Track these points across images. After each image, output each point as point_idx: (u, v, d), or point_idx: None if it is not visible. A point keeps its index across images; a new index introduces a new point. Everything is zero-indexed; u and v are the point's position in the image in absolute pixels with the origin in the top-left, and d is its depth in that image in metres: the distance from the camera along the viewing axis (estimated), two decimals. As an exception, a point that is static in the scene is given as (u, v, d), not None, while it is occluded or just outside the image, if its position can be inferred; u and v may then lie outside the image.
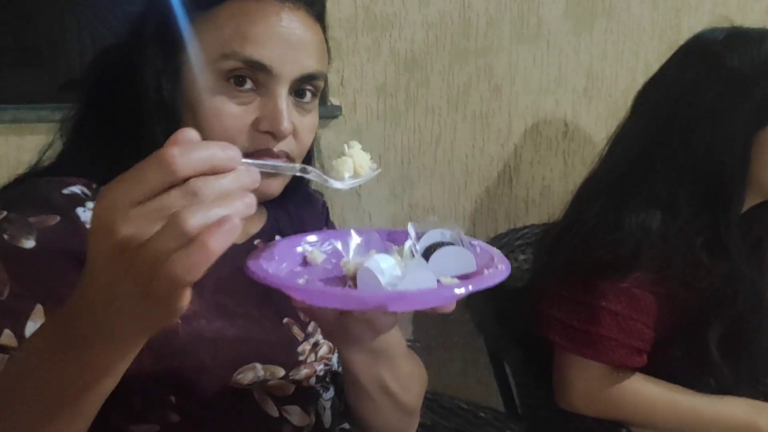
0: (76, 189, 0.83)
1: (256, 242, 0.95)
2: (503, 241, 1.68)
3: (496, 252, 0.77)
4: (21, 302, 0.74)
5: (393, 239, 0.84)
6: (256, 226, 0.98)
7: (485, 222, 1.74)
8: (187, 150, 0.50)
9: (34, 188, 0.83)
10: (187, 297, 0.52)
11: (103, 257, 0.51)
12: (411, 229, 0.80)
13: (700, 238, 1.23)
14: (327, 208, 1.12)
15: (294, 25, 0.85)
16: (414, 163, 1.63)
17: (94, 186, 0.85)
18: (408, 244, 0.77)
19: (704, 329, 1.29)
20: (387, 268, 0.70)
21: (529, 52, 1.70)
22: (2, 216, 0.78)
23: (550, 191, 1.80)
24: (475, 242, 0.79)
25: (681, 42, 1.38)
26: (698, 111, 1.23)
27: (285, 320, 0.92)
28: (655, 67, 1.58)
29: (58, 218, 0.79)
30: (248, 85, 0.84)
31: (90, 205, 0.82)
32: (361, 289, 0.70)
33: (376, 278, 0.68)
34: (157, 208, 0.49)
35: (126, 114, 0.87)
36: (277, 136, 0.85)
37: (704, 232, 1.24)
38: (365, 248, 0.83)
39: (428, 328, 1.73)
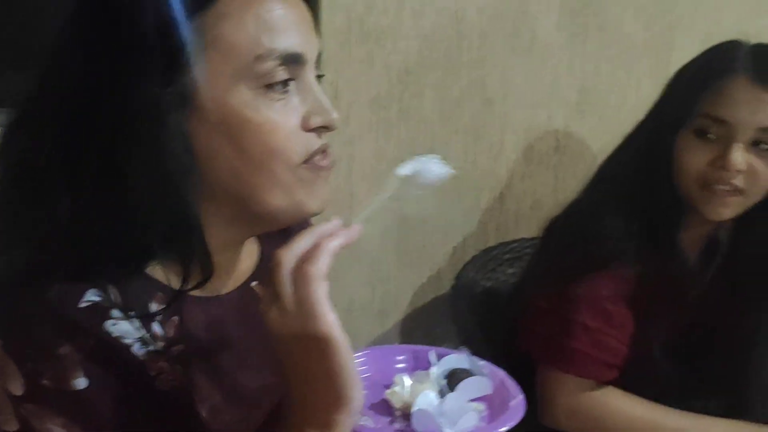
0: (94, 297, 0.68)
1: (253, 284, 0.85)
2: (492, 254, 1.69)
3: (502, 373, 0.94)
4: None
5: (415, 356, 0.99)
6: (250, 267, 0.88)
7: (475, 235, 1.74)
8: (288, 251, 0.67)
9: (46, 308, 0.66)
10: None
11: (287, 345, 0.67)
12: (432, 355, 0.97)
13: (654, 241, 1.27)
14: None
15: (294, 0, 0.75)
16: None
17: (109, 288, 0.70)
18: (433, 371, 0.92)
19: (678, 347, 1.32)
20: (432, 403, 0.85)
21: (522, 66, 1.71)
22: (27, 354, 0.65)
23: (541, 205, 1.80)
24: (481, 363, 0.95)
25: (674, 60, 1.40)
26: (646, 117, 1.34)
27: None
28: (646, 84, 1.60)
29: (91, 342, 0.67)
30: (288, 84, 0.73)
31: (116, 313, 0.69)
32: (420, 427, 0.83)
33: (433, 421, 0.81)
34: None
35: (109, 165, 0.69)
36: (330, 127, 0.76)
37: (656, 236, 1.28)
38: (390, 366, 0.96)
39: (415, 340, 1.73)
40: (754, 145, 1.22)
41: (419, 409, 0.82)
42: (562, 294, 1.29)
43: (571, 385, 1.27)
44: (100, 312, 0.68)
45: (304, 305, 0.64)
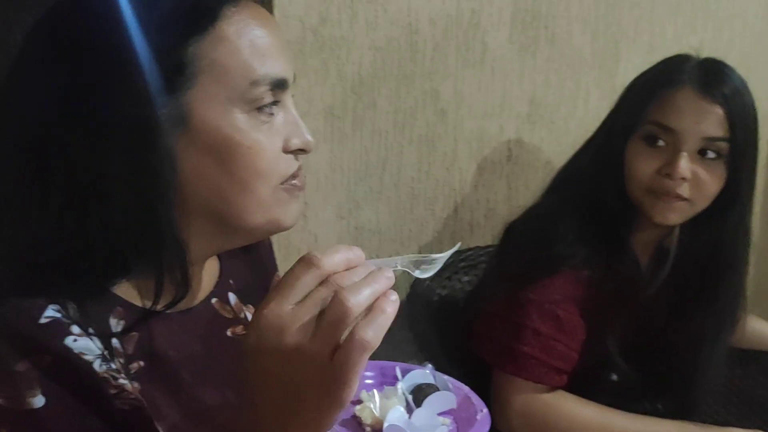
0: (54, 313, 0.67)
1: (213, 301, 0.88)
2: (447, 263, 1.70)
3: (466, 388, 0.96)
4: None
5: (382, 372, 1.00)
6: (210, 283, 0.89)
7: (430, 244, 1.76)
8: (327, 254, 0.60)
9: (4, 324, 0.65)
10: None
11: (281, 358, 0.57)
12: (398, 371, 0.98)
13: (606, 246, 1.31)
14: (271, 241, 1.09)
15: (275, 26, 0.79)
16: (360, 186, 1.64)
17: (69, 304, 0.69)
18: (400, 386, 0.93)
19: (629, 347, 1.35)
20: (402, 418, 0.85)
21: (474, 77, 1.73)
22: None
23: (495, 214, 1.83)
24: (445, 377, 0.96)
25: (620, 72, 1.45)
26: (602, 125, 1.38)
27: None
28: (594, 95, 1.64)
29: (49, 358, 0.65)
30: (273, 108, 0.76)
31: (76, 330, 0.68)
32: None
33: None
34: (315, 301, 0.58)
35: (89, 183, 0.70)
36: (307, 150, 0.79)
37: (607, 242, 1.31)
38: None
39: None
40: (700, 154, 1.26)
41: (391, 425, 0.83)
42: (514, 299, 1.31)
43: (523, 389, 1.29)
44: (60, 328, 0.67)
45: (341, 367, 0.57)
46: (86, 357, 0.67)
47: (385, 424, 0.83)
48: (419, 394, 0.93)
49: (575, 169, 1.40)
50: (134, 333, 0.75)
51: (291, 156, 0.78)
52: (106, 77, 0.70)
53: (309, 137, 0.79)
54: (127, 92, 0.69)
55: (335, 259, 0.60)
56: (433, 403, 0.90)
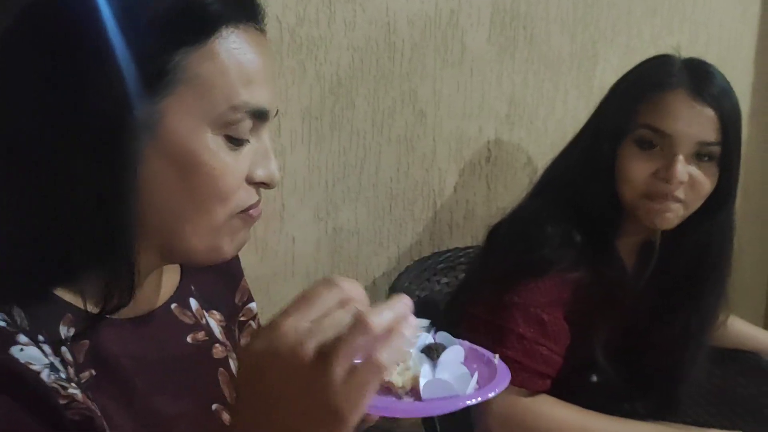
0: None
1: (172, 306, 0.86)
2: (427, 264, 1.70)
3: (466, 343, 0.92)
4: None
5: None
6: (170, 290, 0.87)
7: (409, 245, 1.75)
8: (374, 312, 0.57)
9: None
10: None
11: (290, 373, 0.56)
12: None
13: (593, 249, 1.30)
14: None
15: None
16: (338, 187, 1.63)
17: (15, 311, 0.67)
18: (412, 351, 0.88)
19: (615, 352, 1.35)
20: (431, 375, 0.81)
21: (453, 77, 1.73)
22: None
23: (474, 215, 1.83)
24: (444, 334, 0.92)
25: (598, 72, 1.45)
26: (585, 127, 1.38)
27: (214, 407, 0.86)
28: (573, 95, 1.64)
29: None
30: (248, 135, 0.74)
31: (23, 339, 0.65)
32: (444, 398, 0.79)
33: (450, 386, 0.78)
34: (334, 321, 0.56)
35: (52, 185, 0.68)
36: (270, 185, 0.77)
37: (593, 244, 1.30)
38: None
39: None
40: (695, 156, 1.26)
41: (431, 380, 0.81)
42: (498, 302, 1.29)
43: (504, 393, 1.28)
44: (6, 337, 0.64)
45: (354, 388, 0.55)
46: (33, 367, 0.64)
47: (423, 381, 0.82)
48: (432, 353, 0.92)
49: (560, 172, 1.39)
50: (85, 341, 0.72)
51: (252, 188, 0.76)
52: (82, 69, 0.67)
53: (275, 171, 0.77)
54: (99, 86, 0.66)
55: (383, 325, 0.58)
56: (451, 356, 0.88)
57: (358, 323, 0.55)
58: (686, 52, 1.34)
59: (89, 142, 0.67)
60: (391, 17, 1.61)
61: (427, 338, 0.91)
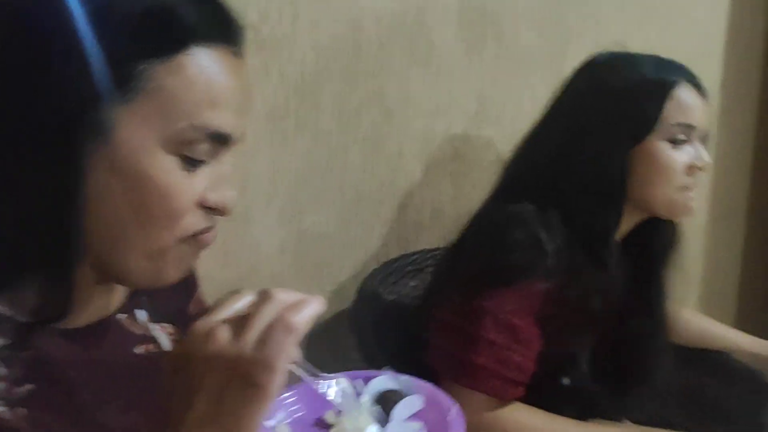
0: None
1: (121, 317, 0.83)
2: (394, 267, 1.67)
3: (429, 386, 0.95)
4: None
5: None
6: (119, 299, 0.83)
7: (376, 248, 1.72)
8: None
9: None
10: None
11: (211, 360, 0.59)
12: (360, 384, 0.94)
13: (581, 252, 1.28)
14: None
15: (244, 83, 0.73)
16: (304, 189, 1.58)
17: None
18: (365, 399, 0.90)
19: (586, 353, 1.34)
20: None
21: (421, 76, 1.69)
22: None
23: (441, 215, 1.80)
24: (404, 378, 0.95)
25: (566, 70, 1.43)
26: (584, 128, 1.31)
27: None
28: (541, 92, 1.61)
29: None
30: (204, 156, 0.70)
31: None
32: None
33: None
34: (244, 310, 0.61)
35: None
36: (224, 212, 0.73)
37: (586, 246, 1.29)
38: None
39: (317, 355, 1.68)
40: (702, 144, 1.34)
41: None
42: (468, 308, 1.27)
43: (474, 402, 1.25)
44: None
45: (266, 352, 0.58)
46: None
47: None
48: (386, 403, 0.90)
49: (541, 175, 1.35)
50: (24, 353, 0.68)
51: (203, 213, 0.72)
52: (44, 62, 0.64)
53: (229, 198, 0.73)
54: (59, 81, 0.63)
55: (288, 297, 0.62)
56: (403, 410, 0.89)
57: (264, 295, 0.60)
58: (655, 48, 1.36)
59: (40, 138, 0.64)
60: (357, 15, 1.57)
61: (387, 383, 0.89)
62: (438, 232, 1.78)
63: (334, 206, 1.65)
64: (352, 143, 1.64)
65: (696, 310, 1.74)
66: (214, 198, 0.72)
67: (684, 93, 1.30)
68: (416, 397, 0.91)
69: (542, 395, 1.30)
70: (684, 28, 2.10)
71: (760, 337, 1.61)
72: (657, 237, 1.43)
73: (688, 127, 1.30)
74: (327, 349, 1.70)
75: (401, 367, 1.44)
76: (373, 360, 1.52)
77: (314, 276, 1.66)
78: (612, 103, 1.33)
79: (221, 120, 0.69)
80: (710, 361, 1.60)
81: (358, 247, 1.70)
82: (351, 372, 0.97)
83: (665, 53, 1.36)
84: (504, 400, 1.26)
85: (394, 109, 1.68)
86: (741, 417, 1.57)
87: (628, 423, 1.45)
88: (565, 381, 1.35)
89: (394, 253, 1.72)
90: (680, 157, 1.30)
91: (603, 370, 1.39)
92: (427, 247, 1.72)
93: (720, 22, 2.24)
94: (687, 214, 1.35)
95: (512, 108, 1.84)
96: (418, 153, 1.74)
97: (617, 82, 1.33)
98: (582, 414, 1.35)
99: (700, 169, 1.31)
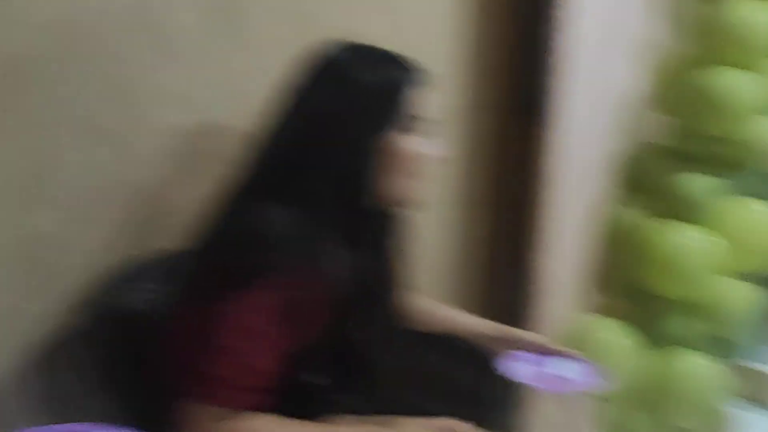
0: None
1: None
2: (133, 270, 1.54)
3: None
4: None
5: None
6: None
7: (116, 248, 1.56)
8: None
9: None
10: None
11: None
12: None
13: (322, 243, 1.29)
14: None
15: None
16: (29, 190, 1.40)
17: None
18: None
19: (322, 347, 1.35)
20: None
21: (162, 65, 1.58)
22: None
23: (180, 212, 1.67)
24: None
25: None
26: (325, 121, 1.34)
27: None
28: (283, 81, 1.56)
29: None
30: None
31: None
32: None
33: None
34: None
35: None
36: None
37: (328, 238, 1.30)
38: None
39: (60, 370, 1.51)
40: None
41: None
42: (202, 314, 1.22)
43: (206, 415, 1.19)
44: None
45: None
46: None
47: None
48: None
49: (281, 169, 1.34)
50: None
51: None
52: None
53: None
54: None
55: None
56: None
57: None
58: (388, 38, 1.44)
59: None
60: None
61: None
62: (177, 232, 1.65)
63: (69, 208, 1.47)
64: (83, 138, 1.47)
65: (444, 301, 1.80)
66: None
67: (414, 86, 1.37)
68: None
69: (286, 396, 1.28)
70: (410, 21, 2.14)
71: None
72: (387, 227, 1.50)
73: (419, 118, 1.37)
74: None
75: (143, 386, 1.35)
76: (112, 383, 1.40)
77: (48, 287, 1.48)
78: (348, 97, 1.36)
79: None
80: (457, 347, 1.67)
81: (93, 251, 1.54)
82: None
83: (396, 42, 1.42)
84: (238, 410, 1.21)
85: (135, 101, 1.54)
86: (470, 394, 1.66)
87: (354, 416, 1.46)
88: (304, 378, 1.34)
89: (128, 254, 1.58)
90: (410, 146, 1.37)
91: (333, 362, 1.40)
92: (167, 247, 1.60)
93: (445, 17, 2.29)
94: (415, 205, 1.43)
95: (255, 97, 1.77)
96: (156, 148, 1.62)
97: (352, 75, 1.36)
98: (326, 411, 1.36)
99: (429, 159, 1.40)
